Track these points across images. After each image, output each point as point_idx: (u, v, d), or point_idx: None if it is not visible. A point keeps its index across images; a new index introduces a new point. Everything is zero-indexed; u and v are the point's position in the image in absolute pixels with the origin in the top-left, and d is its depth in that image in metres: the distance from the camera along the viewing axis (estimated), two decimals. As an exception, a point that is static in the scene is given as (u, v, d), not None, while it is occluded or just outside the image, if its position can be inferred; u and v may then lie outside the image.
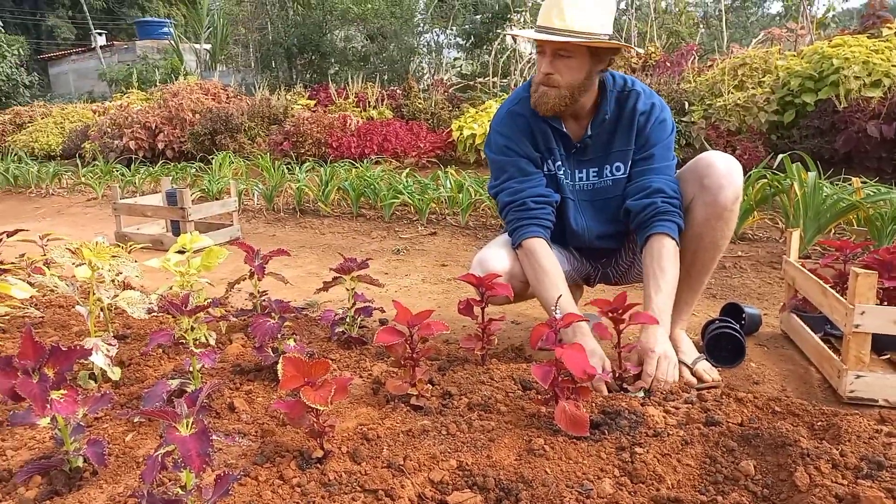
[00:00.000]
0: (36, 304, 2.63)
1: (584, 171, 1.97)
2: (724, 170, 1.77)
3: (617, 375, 1.69)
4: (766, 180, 3.61)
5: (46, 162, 9.01)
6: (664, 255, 1.78)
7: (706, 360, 1.86)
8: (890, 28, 5.32)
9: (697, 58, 6.93)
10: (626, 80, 1.94)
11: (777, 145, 5.10)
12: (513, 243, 1.95)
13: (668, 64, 6.77)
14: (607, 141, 1.93)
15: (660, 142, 1.90)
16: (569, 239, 2.07)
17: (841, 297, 1.71)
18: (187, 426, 1.12)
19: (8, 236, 2.88)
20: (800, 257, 2.21)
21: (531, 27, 1.81)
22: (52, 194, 7.17)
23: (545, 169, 1.97)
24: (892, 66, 4.73)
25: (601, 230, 2.01)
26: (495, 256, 1.95)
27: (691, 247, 1.86)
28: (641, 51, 2.22)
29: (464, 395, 1.66)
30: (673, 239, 1.80)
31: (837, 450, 1.27)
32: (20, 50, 20.81)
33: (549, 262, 1.86)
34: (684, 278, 1.90)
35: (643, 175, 1.89)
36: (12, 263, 2.80)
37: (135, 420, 1.60)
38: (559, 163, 1.95)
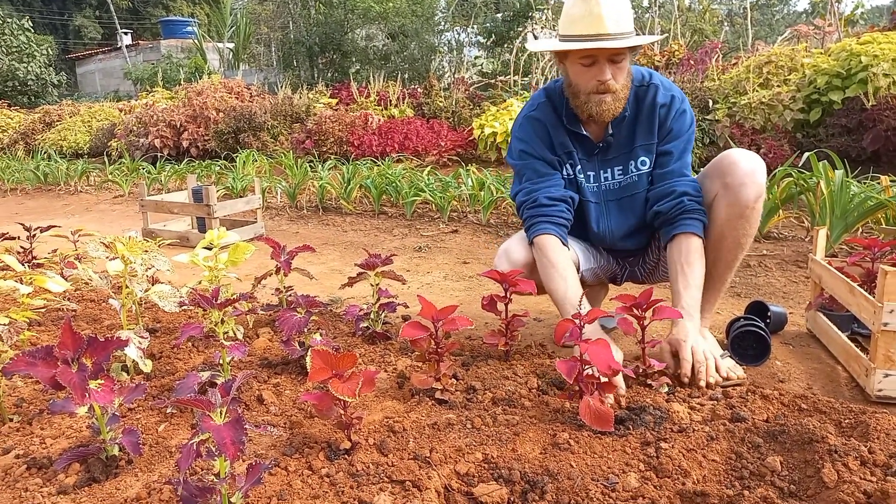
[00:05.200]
0: (68, 298, 2.70)
1: (610, 170, 1.97)
2: (747, 168, 1.76)
3: (641, 371, 1.70)
4: (791, 179, 3.57)
5: (75, 160, 9.19)
6: (692, 251, 1.80)
7: (730, 357, 1.85)
8: (920, 24, 5.22)
9: (721, 56, 6.87)
10: (644, 73, 1.94)
11: (803, 144, 5.04)
12: (528, 240, 1.97)
13: (692, 62, 6.71)
14: (629, 137, 1.93)
15: (681, 134, 1.91)
16: (592, 240, 2.09)
17: (869, 296, 1.69)
18: (221, 415, 1.15)
19: (41, 232, 2.95)
20: (826, 256, 2.19)
21: (561, 36, 1.80)
22: (81, 191, 7.32)
23: (564, 173, 1.98)
24: (923, 62, 4.64)
25: (625, 230, 2.01)
26: (519, 248, 1.98)
27: (714, 245, 1.85)
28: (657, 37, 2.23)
29: (488, 390, 1.67)
30: (699, 237, 1.82)
31: (866, 447, 1.26)
32: (49, 50, 21.25)
33: (557, 256, 1.87)
34: (707, 277, 1.90)
35: (664, 179, 1.90)
36: (45, 258, 2.87)
37: (167, 411, 1.64)
38: (578, 167, 1.97)
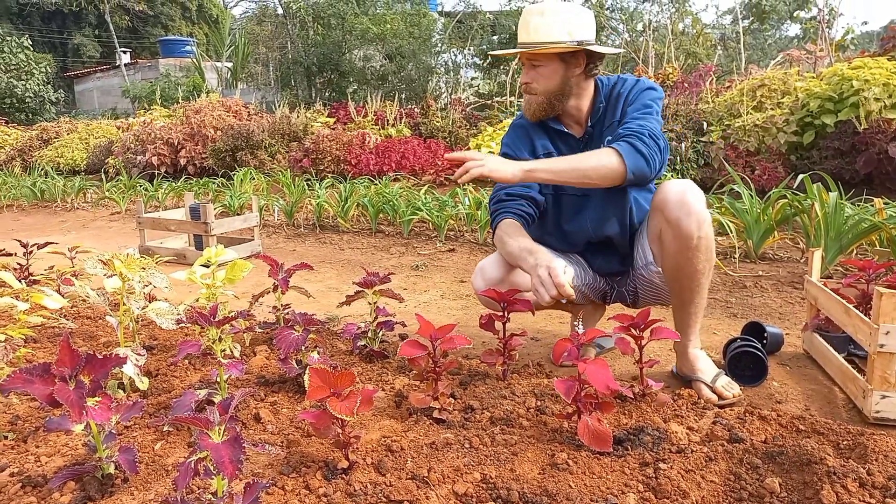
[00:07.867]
0: (65, 315, 2.68)
1: None
2: (677, 201, 1.77)
3: (638, 391, 1.70)
4: (786, 200, 3.61)
5: (72, 177, 9.19)
6: (594, 151, 1.82)
7: (725, 374, 1.86)
8: (910, 50, 5.31)
9: (715, 79, 6.96)
10: (619, 77, 2.05)
11: (797, 166, 5.09)
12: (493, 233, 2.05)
13: (686, 85, 6.79)
14: (607, 127, 2.01)
15: (635, 100, 1.94)
16: (572, 236, 2.09)
17: (865, 317, 1.70)
18: (219, 433, 1.15)
19: (38, 248, 2.95)
20: (821, 277, 2.20)
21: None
22: (77, 208, 7.31)
23: None
24: (913, 87, 4.72)
25: (607, 216, 2.02)
26: (494, 266, 2.03)
27: (674, 276, 1.87)
28: (614, 51, 2.33)
29: (486, 410, 1.67)
30: (612, 149, 1.78)
31: (864, 469, 1.26)
32: (47, 67, 21.34)
33: (513, 230, 1.94)
34: (677, 305, 1.93)
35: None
36: (42, 275, 2.86)
37: (164, 429, 1.63)
38: None
